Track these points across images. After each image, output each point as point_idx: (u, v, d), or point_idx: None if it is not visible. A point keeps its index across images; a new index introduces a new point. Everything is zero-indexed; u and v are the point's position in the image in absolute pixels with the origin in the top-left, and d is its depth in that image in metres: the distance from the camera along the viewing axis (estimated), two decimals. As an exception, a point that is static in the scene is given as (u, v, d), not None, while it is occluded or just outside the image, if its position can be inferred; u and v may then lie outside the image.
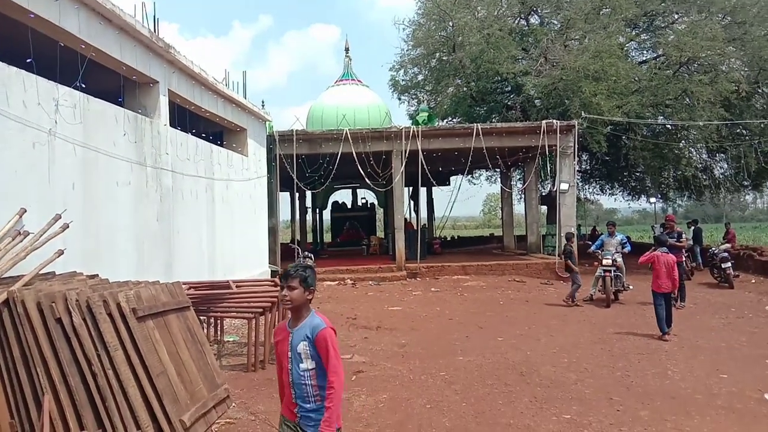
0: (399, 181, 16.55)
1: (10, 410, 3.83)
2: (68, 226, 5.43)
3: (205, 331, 7.62)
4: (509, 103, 21.61)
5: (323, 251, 23.10)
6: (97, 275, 5.61)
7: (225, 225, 11.36)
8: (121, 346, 3.98)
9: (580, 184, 24.43)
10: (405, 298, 12.89)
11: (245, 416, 5.24)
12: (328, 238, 30.91)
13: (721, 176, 21.84)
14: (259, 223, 14.11)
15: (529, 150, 17.18)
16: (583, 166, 24.02)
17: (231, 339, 8.63)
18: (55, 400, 3.75)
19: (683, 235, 12.32)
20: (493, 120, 20.12)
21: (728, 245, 15.33)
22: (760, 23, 18.00)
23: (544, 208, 21.44)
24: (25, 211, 5.13)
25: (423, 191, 25.63)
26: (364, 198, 28.50)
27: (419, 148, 16.14)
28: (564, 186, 16.29)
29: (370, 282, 15.35)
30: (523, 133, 16.52)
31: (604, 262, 11.23)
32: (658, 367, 6.64)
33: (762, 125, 18.25)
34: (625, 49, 19.72)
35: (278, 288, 7.55)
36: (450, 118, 23.60)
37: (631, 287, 11.92)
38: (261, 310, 6.97)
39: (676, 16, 20.41)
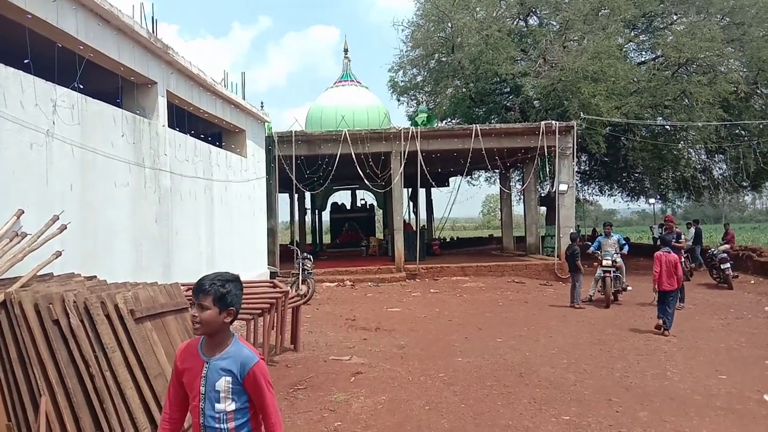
0: (398, 182, 16.56)
1: (7, 412, 3.82)
2: (66, 228, 5.42)
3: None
4: (508, 104, 21.63)
5: (322, 252, 23.09)
6: (95, 276, 5.60)
7: (224, 226, 11.34)
8: (118, 347, 3.98)
9: (579, 185, 24.46)
10: (404, 299, 12.87)
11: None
12: (327, 239, 30.92)
13: (720, 177, 21.80)
14: (258, 224, 14.09)
15: (528, 151, 17.21)
16: (582, 167, 24.01)
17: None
18: (52, 401, 3.74)
19: (682, 236, 12.35)
20: (492, 121, 20.12)
21: (727, 246, 15.38)
22: (759, 24, 18.02)
23: (543, 209, 21.44)
24: (23, 212, 5.12)
25: (422, 192, 25.65)
26: (363, 199, 28.50)
27: (418, 149, 16.16)
28: (563, 187, 16.29)
29: (369, 283, 15.33)
30: (522, 134, 16.53)
31: (604, 262, 11.23)
32: (657, 368, 6.63)
33: (761, 126, 18.26)
34: (624, 50, 19.73)
35: (278, 288, 7.55)
36: (449, 119, 23.63)
37: (630, 288, 11.94)
38: (259, 311, 6.96)
39: (674, 17, 20.42)
